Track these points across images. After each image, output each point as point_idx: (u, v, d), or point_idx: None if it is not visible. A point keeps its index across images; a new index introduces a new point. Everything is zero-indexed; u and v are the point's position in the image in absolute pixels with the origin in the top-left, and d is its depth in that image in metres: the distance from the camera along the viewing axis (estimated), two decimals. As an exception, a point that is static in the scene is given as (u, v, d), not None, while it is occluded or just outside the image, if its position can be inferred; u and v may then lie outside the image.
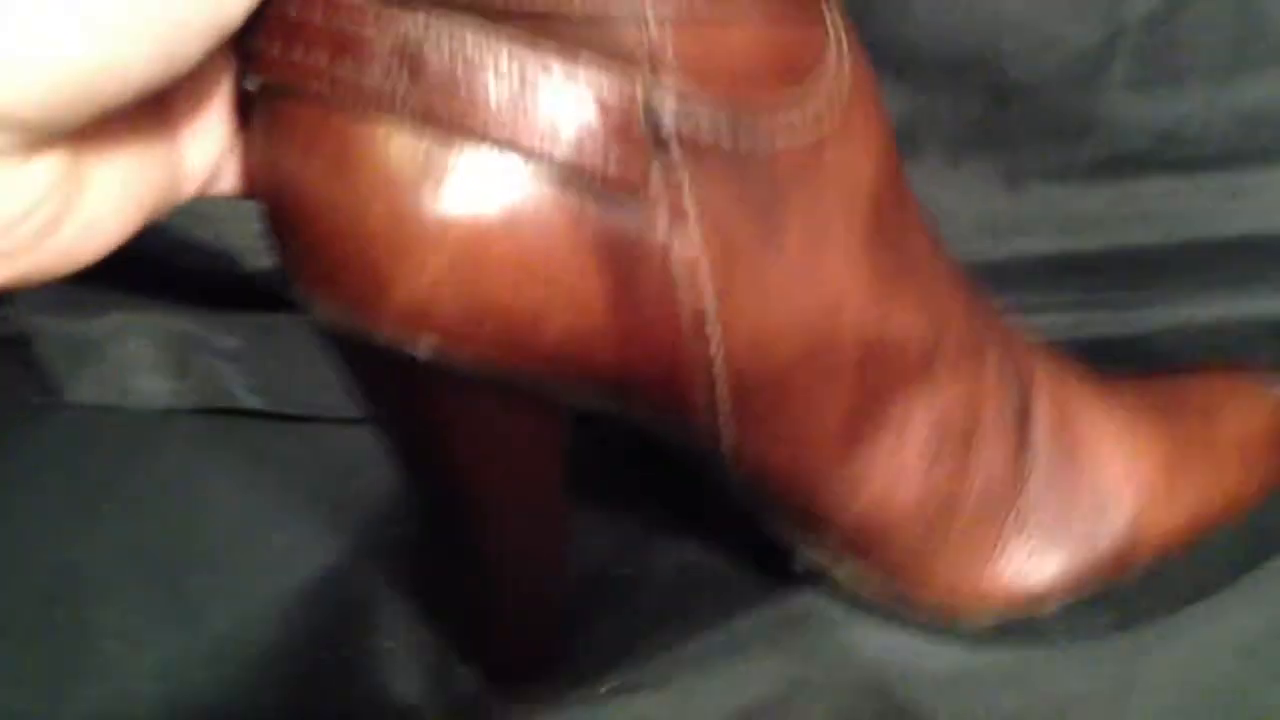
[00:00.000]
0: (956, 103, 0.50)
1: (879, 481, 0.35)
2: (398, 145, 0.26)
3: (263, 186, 0.28)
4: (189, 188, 0.29)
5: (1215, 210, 0.51)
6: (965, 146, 0.51)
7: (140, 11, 0.22)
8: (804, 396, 0.33)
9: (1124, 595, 0.39)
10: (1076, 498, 0.38)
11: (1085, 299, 0.52)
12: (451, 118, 0.26)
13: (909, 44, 0.48)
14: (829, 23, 0.31)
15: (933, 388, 0.35)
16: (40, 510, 0.50)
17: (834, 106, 0.31)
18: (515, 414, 0.31)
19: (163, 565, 0.46)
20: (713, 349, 0.30)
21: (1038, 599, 0.38)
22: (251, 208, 0.29)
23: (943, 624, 0.39)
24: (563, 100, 0.26)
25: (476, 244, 0.27)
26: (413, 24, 0.26)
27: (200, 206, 0.29)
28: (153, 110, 0.26)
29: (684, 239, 0.29)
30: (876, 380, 0.34)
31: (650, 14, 0.26)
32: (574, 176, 0.27)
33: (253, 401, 0.54)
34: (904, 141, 0.35)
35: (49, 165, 0.24)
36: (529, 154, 0.26)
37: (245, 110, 0.29)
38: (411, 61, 0.26)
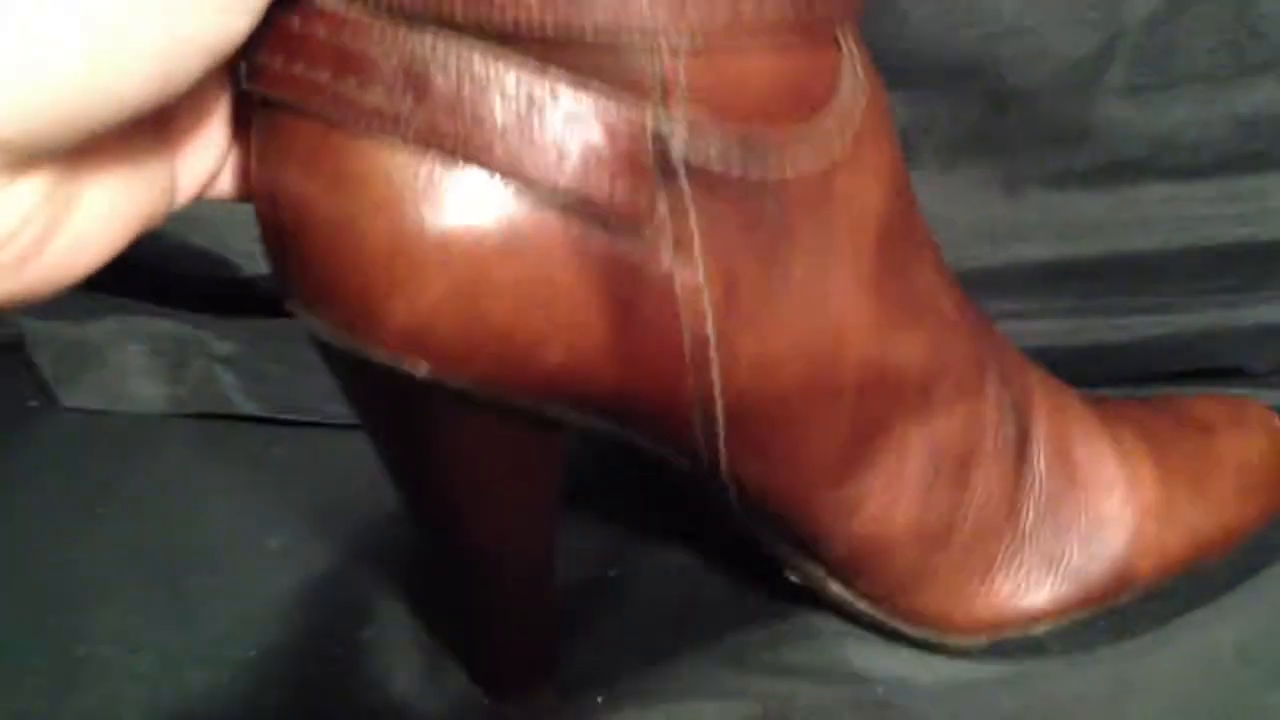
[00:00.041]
0: (954, 109, 0.50)
1: (874, 505, 0.35)
2: (399, 166, 0.26)
3: (260, 199, 0.28)
4: (185, 196, 0.28)
5: (1212, 216, 0.51)
6: (963, 152, 0.51)
7: (136, 33, 0.21)
8: (803, 422, 0.32)
9: (1118, 620, 0.39)
10: (1073, 524, 0.38)
11: (1082, 305, 0.52)
12: (455, 140, 0.26)
13: (906, 50, 0.48)
14: (844, 50, 0.30)
15: (931, 415, 0.35)
16: (38, 513, 0.50)
17: (845, 134, 0.30)
18: (511, 430, 0.31)
19: (160, 567, 0.46)
20: (713, 376, 0.30)
21: (1030, 623, 0.38)
22: (249, 212, 0.29)
23: (933, 645, 0.39)
24: (569, 126, 0.26)
25: (477, 268, 0.26)
26: (419, 44, 0.25)
27: (197, 211, 0.29)
28: (149, 122, 0.25)
29: (688, 267, 0.28)
30: (875, 407, 0.34)
31: (663, 43, 0.26)
32: (578, 203, 0.26)
33: (249, 406, 0.55)
34: (902, 147, 0.35)
35: (34, 187, 0.23)
36: (533, 179, 0.26)
37: (245, 114, 0.28)
38: (416, 82, 0.25)
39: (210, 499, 0.50)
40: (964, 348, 0.36)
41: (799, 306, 0.31)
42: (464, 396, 0.28)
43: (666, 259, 0.28)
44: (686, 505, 0.43)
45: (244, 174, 0.29)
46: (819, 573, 0.38)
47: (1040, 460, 0.38)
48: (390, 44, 0.25)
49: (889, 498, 0.35)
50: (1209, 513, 0.39)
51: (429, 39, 0.25)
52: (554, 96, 0.26)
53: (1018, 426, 0.37)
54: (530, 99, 0.26)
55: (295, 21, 0.26)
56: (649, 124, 0.27)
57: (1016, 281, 0.52)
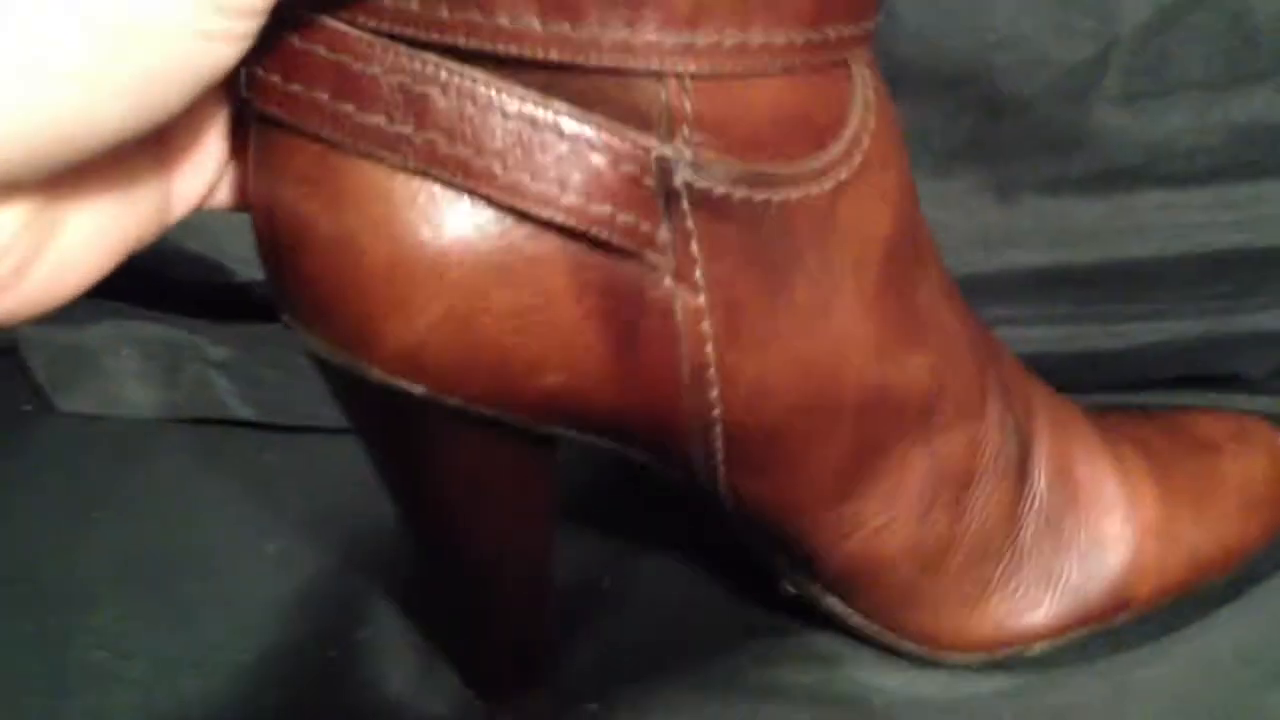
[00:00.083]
0: (949, 116, 0.50)
1: (872, 524, 0.35)
2: (398, 188, 0.26)
3: (258, 215, 0.27)
4: (179, 213, 0.28)
5: (1208, 223, 0.51)
6: (958, 159, 0.51)
7: (117, 64, 0.21)
8: (801, 444, 0.32)
9: (1114, 638, 0.39)
10: (1072, 543, 0.38)
11: (1077, 312, 0.52)
12: (455, 164, 0.25)
13: (902, 58, 0.49)
14: (855, 73, 0.30)
15: (932, 436, 0.35)
16: (32, 518, 0.49)
17: (853, 159, 0.30)
18: (507, 445, 0.31)
19: (155, 572, 0.46)
20: (711, 398, 0.30)
21: (1026, 641, 0.38)
22: (244, 217, 0.28)
23: (929, 662, 0.39)
24: (572, 152, 0.26)
25: (474, 290, 0.26)
26: (420, 66, 0.25)
27: (193, 216, 0.29)
28: (143, 140, 0.24)
29: (689, 292, 0.28)
30: (875, 429, 0.33)
31: (669, 70, 0.26)
32: (579, 229, 0.26)
33: (244, 411, 0.54)
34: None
35: (12, 216, 0.22)
36: (533, 205, 0.26)
37: (244, 124, 0.28)
38: (416, 104, 0.25)
39: (205, 504, 0.50)
40: (966, 366, 0.36)
41: (800, 331, 0.30)
42: (460, 414, 0.28)
43: (668, 284, 0.28)
44: (682, 513, 0.43)
45: (241, 185, 0.29)
46: (815, 587, 0.38)
47: (1040, 479, 0.38)
48: (391, 66, 0.25)
49: (887, 517, 0.35)
50: (1210, 533, 0.39)
51: (431, 62, 0.25)
52: (557, 122, 0.26)
53: (1019, 445, 0.37)
54: (532, 124, 0.25)
55: (295, 38, 0.25)
56: (653, 152, 0.26)
57: (1011, 288, 0.52)
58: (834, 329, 0.31)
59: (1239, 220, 0.51)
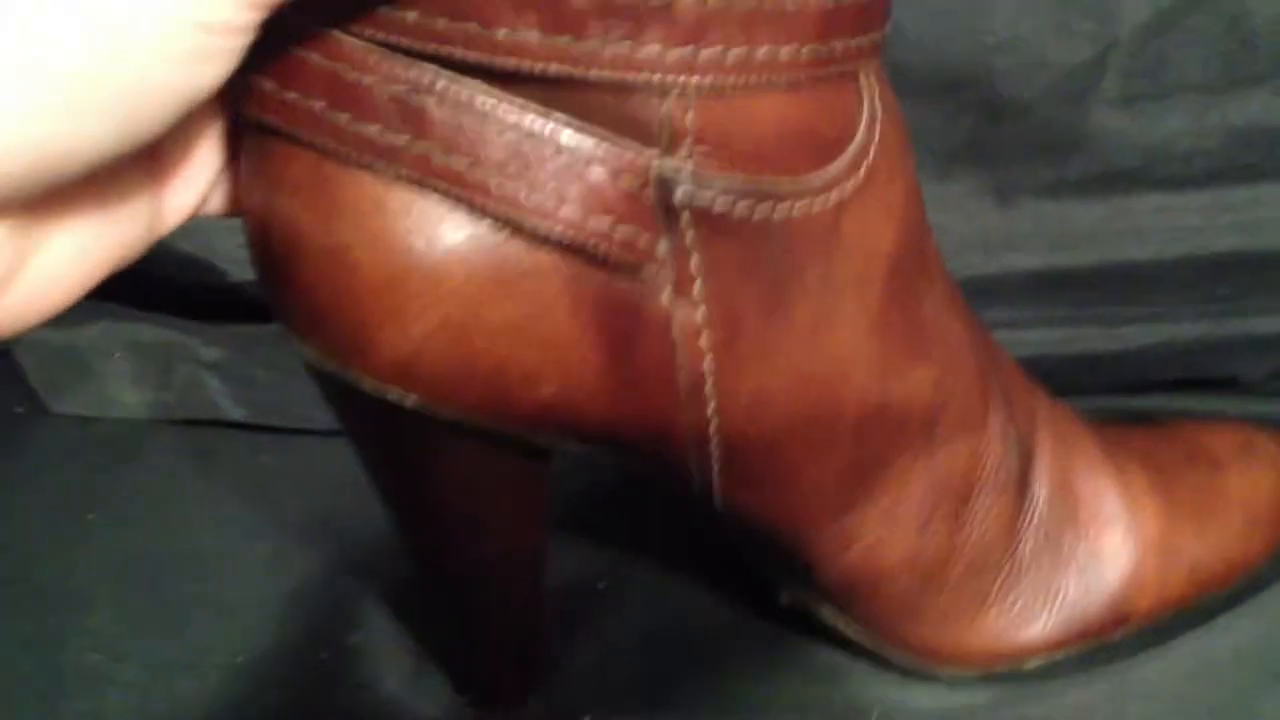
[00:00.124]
0: (948, 119, 0.50)
1: (871, 537, 0.35)
2: (393, 198, 0.25)
3: (252, 224, 0.27)
4: (170, 224, 0.27)
5: (1206, 226, 0.51)
6: (956, 162, 0.51)
7: (96, 88, 0.20)
8: (800, 458, 0.32)
9: (1111, 653, 0.39)
10: (1071, 559, 0.37)
11: (1076, 314, 0.52)
12: (451, 175, 0.25)
13: (901, 61, 0.48)
14: (862, 87, 0.29)
15: (933, 449, 0.35)
16: (25, 520, 0.49)
17: (858, 173, 0.29)
18: (502, 454, 0.30)
19: (147, 574, 0.46)
20: (709, 413, 0.29)
21: (1023, 656, 0.38)
22: (238, 220, 0.28)
23: (925, 675, 0.38)
24: (570, 167, 0.25)
25: (469, 303, 0.26)
26: (417, 75, 0.24)
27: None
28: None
29: (687, 308, 0.28)
30: (876, 444, 0.33)
31: (671, 85, 0.25)
32: (576, 243, 0.26)
33: (237, 413, 0.54)
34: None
35: None
36: (530, 219, 0.25)
37: (238, 131, 0.28)
38: (413, 116, 0.25)
39: (198, 506, 0.50)
40: (969, 379, 0.35)
41: (800, 346, 0.30)
42: (455, 424, 0.28)
43: (666, 299, 0.27)
44: (680, 521, 0.43)
45: (235, 192, 0.28)
46: (813, 597, 0.38)
47: (1041, 493, 0.37)
48: (388, 75, 0.25)
49: (886, 530, 0.35)
50: (1212, 549, 0.39)
51: (428, 72, 0.25)
52: (555, 135, 0.25)
53: (1020, 458, 0.37)
54: (531, 136, 0.25)
55: (290, 45, 0.25)
56: (653, 168, 0.26)
57: (1010, 291, 0.52)
58: (835, 345, 0.30)
59: (1236, 223, 0.51)
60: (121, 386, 0.55)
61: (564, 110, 0.25)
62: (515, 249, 0.26)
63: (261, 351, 0.54)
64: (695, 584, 0.43)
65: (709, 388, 0.29)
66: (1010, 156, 0.51)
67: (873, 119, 0.29)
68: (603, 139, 0.25)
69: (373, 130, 0.25)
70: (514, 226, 0.26)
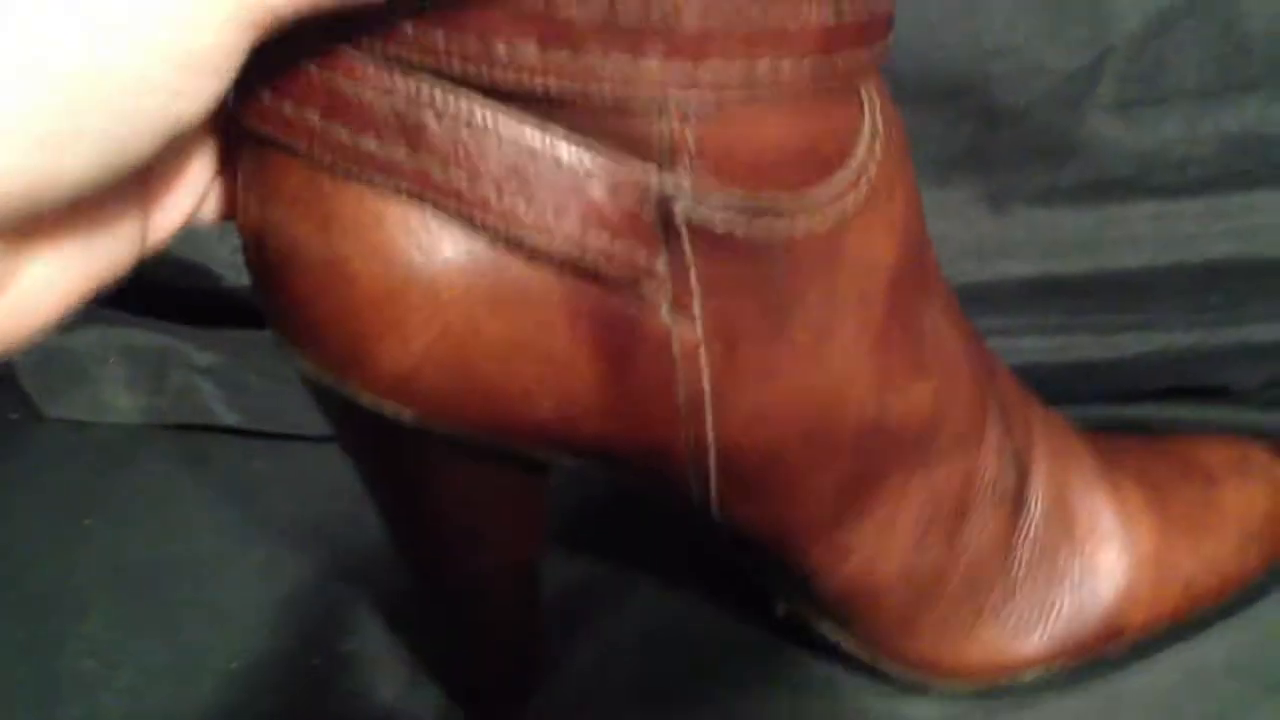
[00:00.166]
0: (943, 126, 0.50)
1: (867, 551, 0.34)
2: (390, 212, 0.25)
3: (247, 235, 0.27)
4: (158, 240, 0.27)
5: (1200, 234, 0.51)
6: (951, 169, 0.51)
7: (96, 88, 0.20)
8: (797, 474, 0.32)
9: (1105, 667, 0.39)
10: (1066, 574, 0.37)
11: (1069, 322, 0.52)
12: (449, 192, 0.25)
13: (896, 68, 0.48)
14: (864, 101, 0.29)
15: (930, 464, 0.35)
16: (19, 525, 0.49)
17: (859, 191, 0.29)
18: (499, 468, 0.30)
19: (142, 580, 0.46)
20: (707, 429, 0.29)
21: (1017, 671, 0.38)
22: (232, 225, 0.28)
23: (919, 688, 0.38)
24: (569, 183, 0.25)
25: (467, 318, 0.26)
26: (415, 91, 0.24)
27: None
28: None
29: (686, 325, 0.27)
30: (874, 460, 0.33)
31: (672, 104, 0.25)
32: (575, 261, 0.26)
33: (231, 418, 0.54)
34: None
35: None
36: (529, 235, 0.25)
37: (231, 139, 0.27)
38: (410, 130, 0.24)
39: (192, 511, 0.50)
40: (967, 393, 0.35)
41: (800, 363, 0.30)
42: (452, 438, 0.28)
43: (665, 317, 0.27)
44: (677, 533, 0.43)
45: (228, 199, 0.28)
46: (809, 610, 0.38)
47: (1037, 509, 0.37)
48: (385, 89, 0.24)
49: (882, 544, 0.35)
50: (1206, 564, 0.39)
51: (426, 86, 0.24)
52: (554, 150, 0.25)
53: (1016, 473, 0.37)
54: (529, 151, 0.25)
55: (287, 56, 0.25)
56: (653, 185, 0.26)
57: (1003, 298, 0.52)
58: (835, 361, 0.30)
59: (1231, 230, 0.51)
60: (116, 392, 0.55)
61: (563, 124, 0.25)
62: (514, 264, 0.26)
63: (256, 357, 0.54)
64: (693, 595, 0.43)
65: (708, 403, 0.29)
66: (1005, 163, 0.51)
67: (874, 134, 0.29)
68: (602, 154, 0.25)
69: (371, 143, 0.25)
70: (513, 241, 0.25)
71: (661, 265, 0.27)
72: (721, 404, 0.29)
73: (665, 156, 0.25)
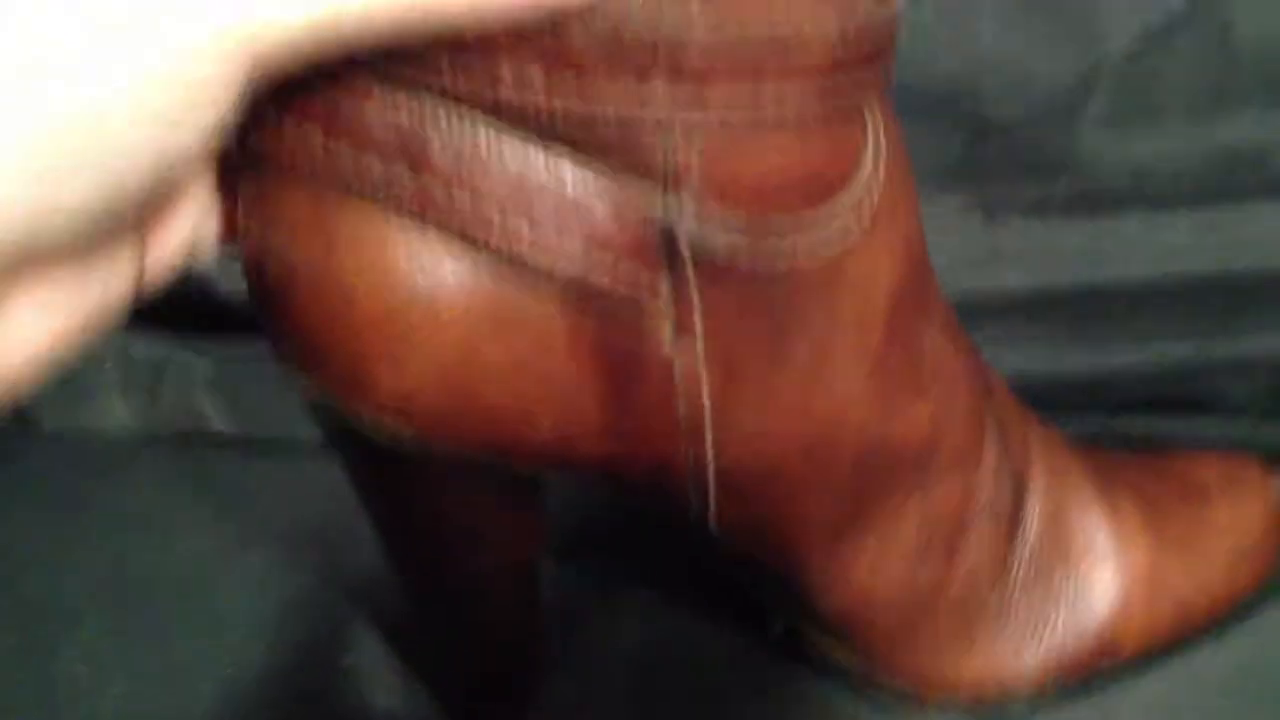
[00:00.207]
0: (936, 138, 0.50)
1: (863, 568, 0.35)
2: (392, 232, 0.25)
3: (248, 255, 0.27)
4: (157, 270, 0.26)
5: (1191, 247, 0.51)
6: (944, 181, 0.51)
7: (75, 148, 0.19)
8: (797, 494, 0.32)
9: (1100, 687, 0.39)
10: (1061, 593, 0.38)
11: (1061, 334, 0.52)
12: (451, 213, 0.25)
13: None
14: (868, 123, 0.29)
15: (928, 483, 0.35)
16: (14, 535, 0.49)
17: (862, 217, 0.29)
18: (497, 485, 0.31)
19: (137, 589, 0.46)
20: (706, 450, 0.29)
21: (1010, 688, 0.38)
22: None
23: (913, 704, 0.39)
24: (572, 206, 0.25)
25: (467, 340, 0.26)
26: (417, 106, 0.24)
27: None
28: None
29: (688, 351, 0.27)
30: (872, 479, 0.33)
31: (677, 128, 0.25)
32: (577, 283, 0.26)
33: (227, 427, 0.54)
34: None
35: None
36: (531, 257, 0.25)
37: (230, 158, 0.27)
38: (412, 151, 0.24)
39: (187, 520, 0.50)
40: (965, 413, 0.35)
41: (799, 387, 0.30)
42: (449, 461, 0.28)
43: (666, 342, 0.27)
44: (674, 548, 0.43)
45: (228, 222, 0.27)
46: (805, 626, 0.38)
47: (1033, 528, 0.37)
48: (386, 108, 0.24)
49: (880, 561, 0.35)
50: (1200, 584, 0.39)
51: (429, 107, 0.24)
52: (557, 170, 0.25)
53: (1013, 492, 0.37)
54: (532, 171, 0.25)
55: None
56: (656, 210, 0.26)
57: (996, 309, 0.52)
58: (835, 384, 0.30)
59: (1223, 244, 0.51)
60: (112, 399, 0.55)
61: (567, 146, 0.25)
62: (516, 285, 0.25)
63: (252, 365, 0.54)
64: (690, 608, 0.43)
65: (708, 423, 0.29)
66: (997, 176, 0.51)
67: (877, 156, 0.29)
68: (605, 175, 0.25)
69: (373, 162, 0.24)
70: (515, 262, 0.25)
71: (664, 287, 0.27)
72: (722, 424, 0.29)
73: (669, 180, 0.25)
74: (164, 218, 0.25)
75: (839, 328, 0.30)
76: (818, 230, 0.28)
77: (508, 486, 0.32)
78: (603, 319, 0.26)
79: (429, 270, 0.25)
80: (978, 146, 0.51)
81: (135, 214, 0.24)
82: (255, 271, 0.27)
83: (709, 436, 0.29)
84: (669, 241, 0.26)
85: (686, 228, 0.26)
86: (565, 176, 0.25)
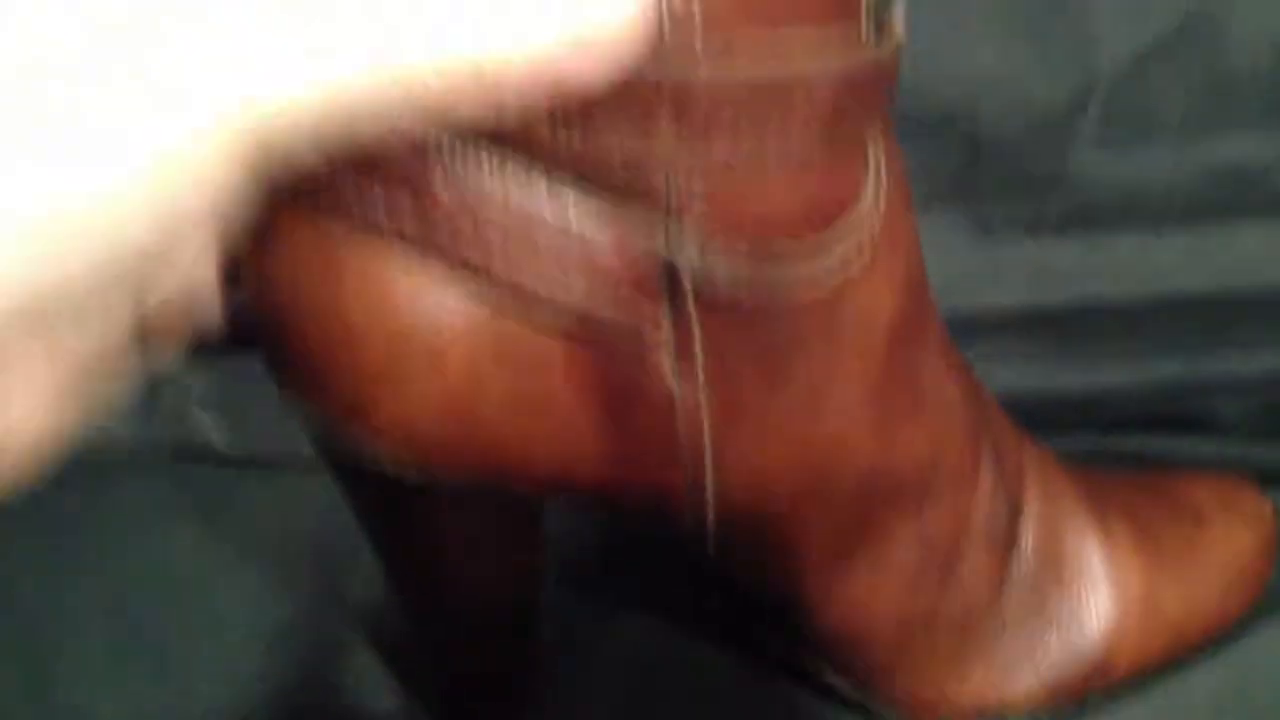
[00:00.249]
0: (929, 157, 0.50)
1: (859, 591, 0.35)
2: (395, 263, 0.25)
3: (251, 284, 0.26)
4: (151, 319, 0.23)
5: (1184, 265, 0.52)
6: (936, 199, 0.51)
7: (118, 64, 0.18)
8: (795, 520, 0.32)
9: (1093, 709, 0.39)
10: (1055, 617, 0.38)
11: (1053, 352, 0.52)
12: (454, 249, 0.25)
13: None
14: (869, 153, 0.29)
15: (923, 508, 0.35)
16: (10, 555, 0.49)
17: (863, 248, 0.29)
18: (498, 510, 0.31)
19: (134, 609, 0.46)
20: (707, 481, 0.29)
21: (1004, 712, 0.38)
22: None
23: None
24: (575, 240, 0.25)
25: (469, 371, 0.26)
26: (421, 143, 0.24)
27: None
28: None
29: (688, 383, 0.28)
30: (869, 504, 0.33)
31: (680, 162, 0.25)
32: (579, 313, 0.26)
33: (224, 443, 0.54)
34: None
35: None
36: (533, 291, 0.25)
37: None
38: (416, 182, 0.24)
39: (183, 539, 0.49)
40: (962, 438, 0.35)
41: (799, 416, 0.30)
42: (450, 488, 0.28)
43: (667, 375, 0.27)
44: (670, 569, 0.43)
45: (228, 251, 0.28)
46: (801, 647, 0.38)
47: (1028, 552, 0.38)
48: (391, 141, 0.24)
49: (875, 585, 0.35)
50: (1193, 607, 0.39)
51: (432, 139, 0.24)
52: (560, 206, 0.25)
53: (1008, 516, 0.37)
54: (535, 208, 0.25)
55: None
56: (659, 242, 0.26)
57: (987, 328, 0.52)
58: (835, 414, 0.31)
59: (1215, 263, 0.52)
60: (104, 417, 0.55)
61: (570, 181, 0.25)
62: (517, 314, 0.26)
63: (248, 382, 0.54)
64: (686, 629, 0.43)
65: (707, 452, 0.29)
66: (991, 194, 0.52)
67: (878, 187, 0.29)
68: (608, 207, 0.25)
69: (375, 194, 0.24)
70: (516, 294, 0.25)
71: (665, 318, 0.27)
72: (722, 453, 0.29)
73: (671, 213, 0.25)
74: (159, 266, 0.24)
75: (839, 357, 0.30)
76: (818, 261, 0.28)
77: (508, 510, 0.32)
78: (604, 349, 0.27)
79: (431, 300, 0.25)
80: (971, 165, 0.51)
81: (134, 281, 0.21)
82: (257, 302, 0.27)
83: (709, 464, 0.29)
84: (670, 274, 0.26)
85: (688, 260, 0.26)
86: (568, 208, 0.25)
